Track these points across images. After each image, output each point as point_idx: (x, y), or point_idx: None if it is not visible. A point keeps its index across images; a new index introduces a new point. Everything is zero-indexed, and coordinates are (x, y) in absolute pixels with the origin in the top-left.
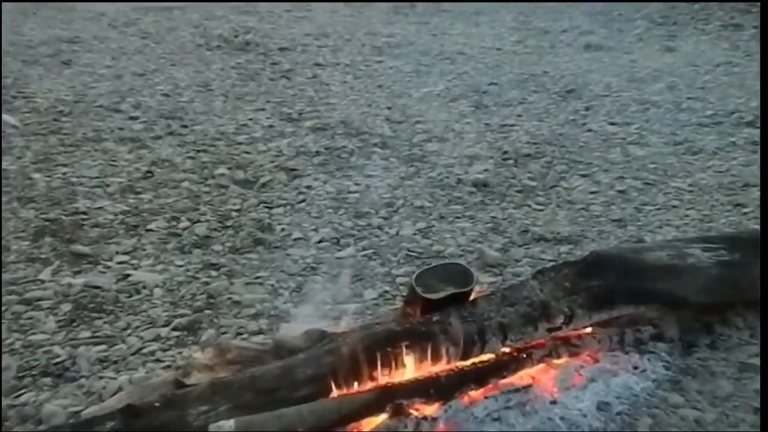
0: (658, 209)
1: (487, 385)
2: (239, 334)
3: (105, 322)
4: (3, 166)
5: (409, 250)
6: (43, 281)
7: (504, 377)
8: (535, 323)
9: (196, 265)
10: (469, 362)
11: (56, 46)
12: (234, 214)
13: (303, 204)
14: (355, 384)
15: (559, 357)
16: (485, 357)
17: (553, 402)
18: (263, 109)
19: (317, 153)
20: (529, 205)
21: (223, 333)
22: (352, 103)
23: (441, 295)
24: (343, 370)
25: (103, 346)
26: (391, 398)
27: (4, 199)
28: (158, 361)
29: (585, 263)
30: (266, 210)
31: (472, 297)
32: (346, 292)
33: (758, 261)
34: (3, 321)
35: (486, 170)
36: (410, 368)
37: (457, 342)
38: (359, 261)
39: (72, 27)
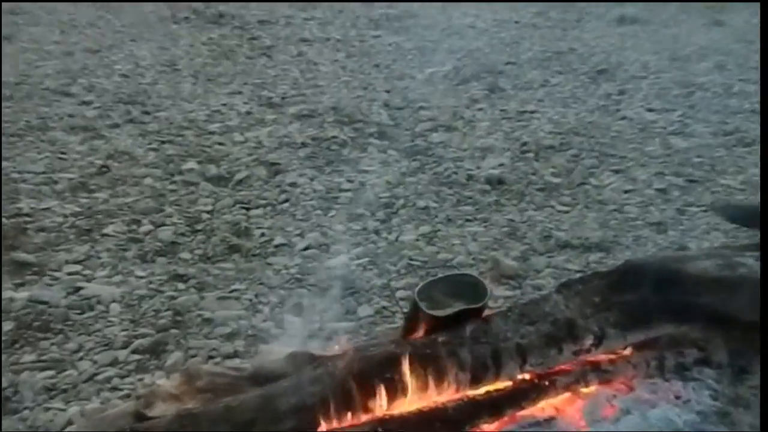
0: (704, 211)
1: (503, 418)
2: (211, 357)
3: (53, 344)
4: None
5: (411, 259)
6: None
7: (523, 408)
8: (559, 345)
9: (160, 276)
10: (481, 390)
11: None
12: (205, 216)
13: (286, 204)
14: (348, 416)
15: (587, 384)
16: (501, 384)
17: None
18: (239, 93)
19: (303, 144)
20: (553, 206)
21: (192, 356)
22: (344, 86)
23: (449, 311)
24: (334, 399)
25: (51, 372)
26: None
27: None
28: (115, 389)
29: (618, 274)
30: (243, 211)
31: (485, 314)
32: (337, 308)
33: None
34: None
35: (501, 165)
36: (412, 397)
37: (468, 367)
38: (353, 271)
39: None
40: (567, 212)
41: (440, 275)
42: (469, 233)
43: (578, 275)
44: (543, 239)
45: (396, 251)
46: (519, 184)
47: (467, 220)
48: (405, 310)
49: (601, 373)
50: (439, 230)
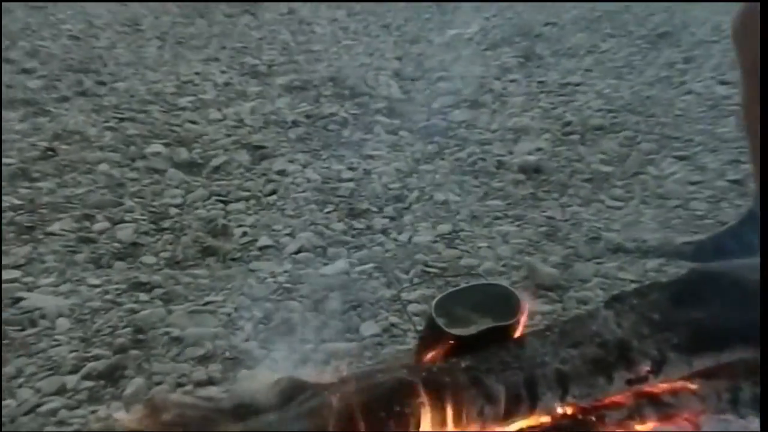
0: None
1: None
2: (180, 384)
3: None
4: None
5: (427, 265)
6: None
7: None
8: (608, 372)
9: (117, 285)
10: (513, 428)
11: None
12: (174, 211)
13: (274, 197)
14: None
15: (643, 421)
16: (536, 420)
17: None
18: (216, 60)
19: (294, 123)
20: (602, 201)
21: (157, 383)
22: (345, 52)
23: (473, 330)
24: None
25: None
26: None
27: None
28: (62, 423)
29: (682, 285)
30: (220, 206)
31: (517, 333)
32: (335, 325)
33: None
34: None
35: (539, 150)
36: None
37: (497, 399)
38: (355, 280)
39: None
40: (619, 208)
41: (463, 285)
42: (498, 234)
43: (633, 286)
44: (590, 241)
45: (408, 255)
46: (560, 174)
47: (496, 218)
48: (419, 328)
49: (660, 407)
50: (461, 230)
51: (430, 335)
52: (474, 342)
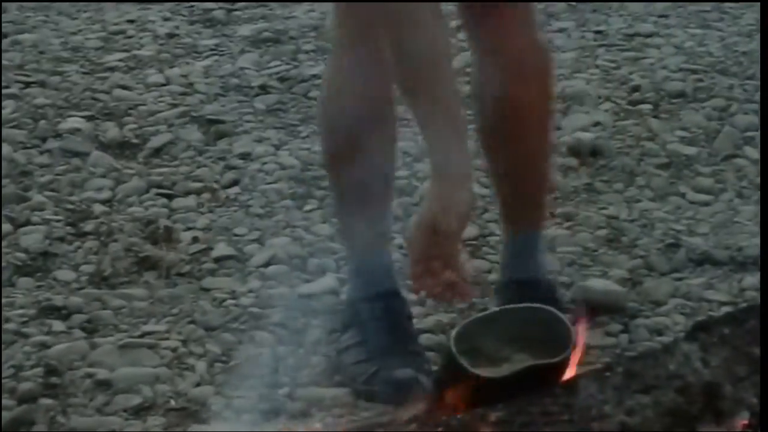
0: None
1: None
2: None
3: None
4: None
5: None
6: None
7: None
8: (692, 427)
9: (23, 309)
10: None
11: None
12: (99, 209)
13: (235, 189)
14: None
15: None
16: None
17: None
18: (157, 2)
19: (263, 89)
20: (683, 194)
21: None
22: None
23: (506, 371)
24: None
25: None
26: None
27: None
28: None
29: None
30: (163, 201)
31: (567, 375)
32: (319, 363)
33: None
34: None
35: (597, 125)
36: None
37: None
38: (345, 302)
39: None
40: (707, 204)
41: (493, 309)
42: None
43: (724, 310)
44: (666, 249)
45: None
46: (626, 157)
47: None
48: (434, 368)
49: None
50: (491, 234)
51: (449, 377)
52: (508, 386)
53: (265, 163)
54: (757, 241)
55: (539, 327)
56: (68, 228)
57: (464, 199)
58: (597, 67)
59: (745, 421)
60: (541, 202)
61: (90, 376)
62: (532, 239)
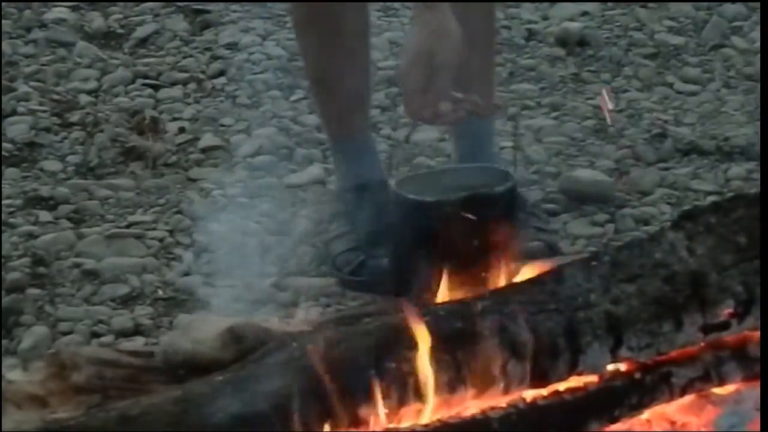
0: None
1: None
2: (96, 334)
3: None
4: None
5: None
6: None
7: (617, 420)
8: (677, 315)
9: (10, 200)
10: (547, 390)
11: None
12: (85, 99)
13: (221, 80)
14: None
15: (723, 381)
16: (580, 381)
17: None
18: None
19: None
20: (671, 84)
21: (65, 333)
22: None
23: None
24: (302, 405)
25: None
26: None
27: None
28: None
29: None
30: (149, 92)
31: (555, 266)
32: (306, 252)
33: None
34: None
35: (584, 14)
36: (432, 402)
37: (525, 351)
38: (332, 192)
39: None
40: (694, 94)
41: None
42: (528, 129)
43: (711, 199)
44: (652, 139)
45: (406, 158)
46: (614, 47)
47: (526, 108)
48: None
49: (746, 362)
50: None
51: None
52: (449, 211)
53: (251, 53)
54: (744, 131)
55: (483, 179)
56: (54, 118)
57: (455, 28)
58: None
59: (730, 310)
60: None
61: (77, 266)
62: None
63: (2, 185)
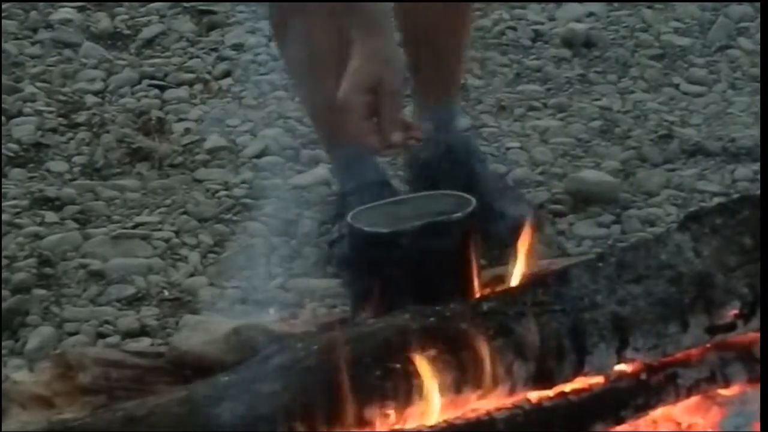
0: None
1: None
2: (102, 335)
3: None
4: None
5: None
6: None
7: (622, 421)
8: (683, 316)
9: (16, 200)
10: (552, 391)
11: None
12: (91, 100)
13: (228, 81)
14: None
15: (728, 384)
16: (585, 382)
17: None
18: None
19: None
20: (677, 85)
21: (71, 334)
22: None
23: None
24: (307, 406)
25: None
26: None
27: None
28: None
29: None
30: (155, 93)
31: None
32: (312, 253)
33: None
34: None
35: (590, 15)
36: (437, 402)
37: (531, 352)
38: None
39: None
40: (700, 95)
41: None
42: (534, 130)
43: (717, 201)
44: (659, 140)
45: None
46: (620, 48)
47: (532, 109)
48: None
49: (751, 363)
50: (484, 125)
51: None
52: (406, 243)
53: (257, 54)
54: (751, 132)
55: (446, 204)
56: (60, 119)
57: (397, 52)
58: None
59: (736, 311)
60: (458, 70)
61: (83, 266)
62: (449, 110)
63: (9, 186)
